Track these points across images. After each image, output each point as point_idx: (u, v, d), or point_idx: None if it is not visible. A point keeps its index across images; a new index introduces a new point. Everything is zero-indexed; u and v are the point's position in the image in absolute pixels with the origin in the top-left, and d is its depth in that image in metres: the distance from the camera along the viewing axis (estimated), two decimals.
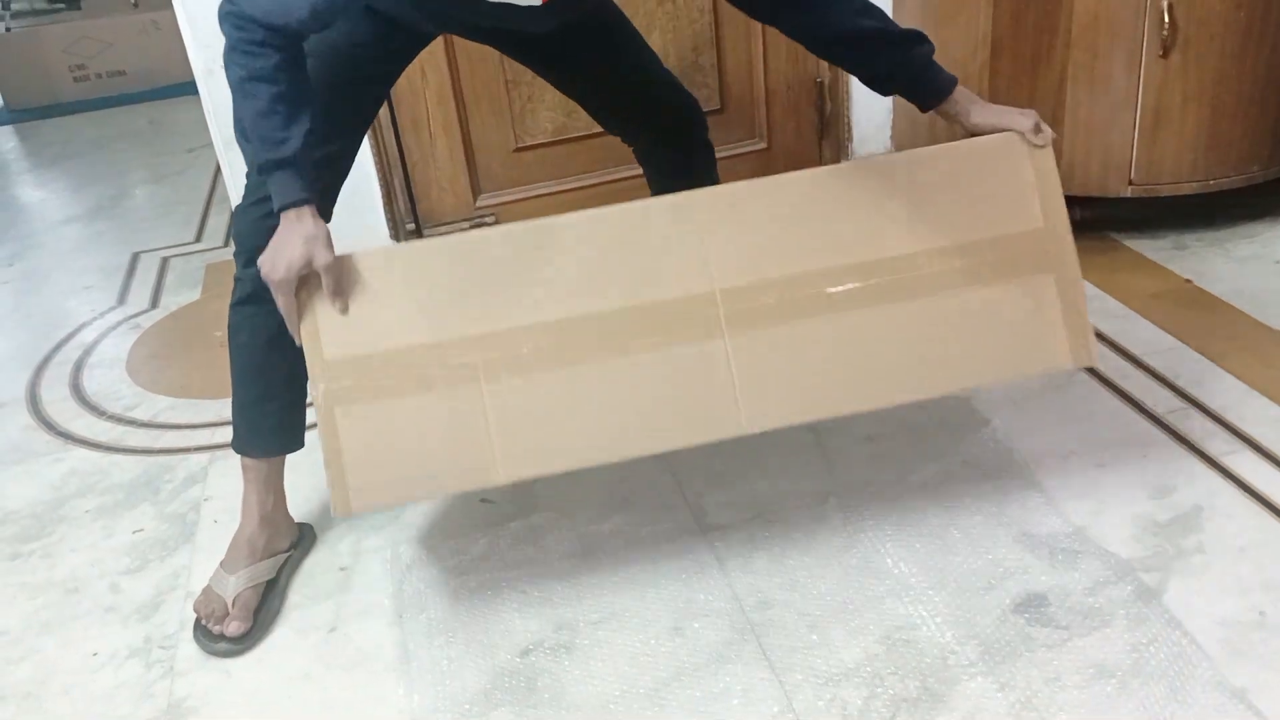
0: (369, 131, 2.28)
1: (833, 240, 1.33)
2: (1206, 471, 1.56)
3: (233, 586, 1.45)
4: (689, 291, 1.30)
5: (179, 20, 2.12)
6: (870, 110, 2.56)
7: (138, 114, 4.37)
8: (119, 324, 2.53)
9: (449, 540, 1.59)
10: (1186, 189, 2.19)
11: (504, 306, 1.29)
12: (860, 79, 1.43)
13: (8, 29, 4.54)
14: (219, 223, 3.11)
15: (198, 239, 3.04)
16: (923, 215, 1.35)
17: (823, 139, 2.56)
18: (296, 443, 1.53)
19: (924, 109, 1.41)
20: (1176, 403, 1.72)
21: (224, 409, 2.06)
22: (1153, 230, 2.29)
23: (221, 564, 1.50)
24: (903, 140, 2.59)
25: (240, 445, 1.53)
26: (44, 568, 1.67)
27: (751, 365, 1.29)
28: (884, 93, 1.43)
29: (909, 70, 1.38)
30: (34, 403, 2.19)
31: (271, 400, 1.49)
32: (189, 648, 1.46)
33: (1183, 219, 2.29)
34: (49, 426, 2.09)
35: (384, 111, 2.32)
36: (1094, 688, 1.22)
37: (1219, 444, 1.61)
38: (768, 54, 2.44)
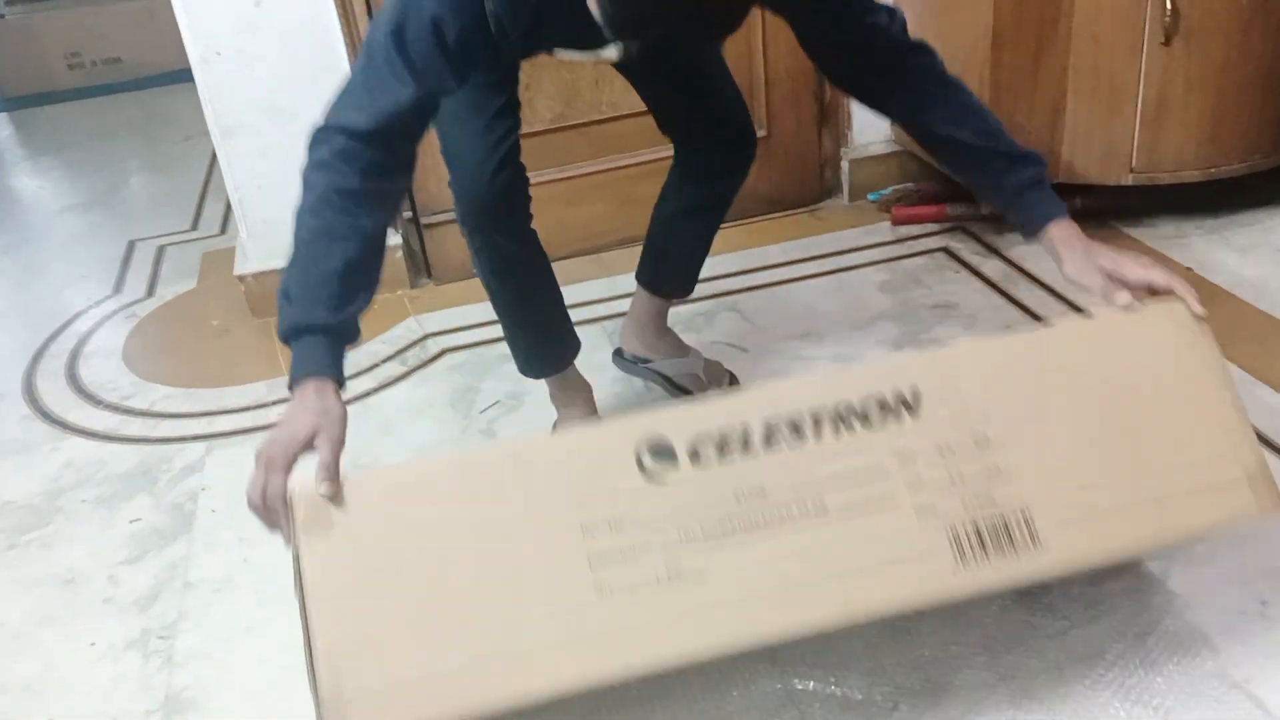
0: None
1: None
2: None
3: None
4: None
5: (175, 7, 2.10)
6: None
7: (133, 102, 4.35)
8: (115, 313, 2.52)
9: None
10: (1188, 177, 2.18)
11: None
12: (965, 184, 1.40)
13: (2, 16, 4.51)
14: (215, 211, 3.10)
15: (194, 227, 3.02)
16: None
17: (822, 128, 2.55)
18: (572, 349, 1.65)
19: (1025, 238, 1.32)
20: None
21: (221, 398, 2.06)
22: (1154, 219, 2.29)
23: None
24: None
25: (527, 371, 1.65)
26: (42, 559, 1.66)
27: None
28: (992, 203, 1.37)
29: (1003, 193, 1.29)
30: (31, 393, 2.18)
31: (522, 328, 1.59)
32: (187, 639, 1.45)
33: (1184, 207, 2.28)
34: (46, 417, 2.08)
35: None
36: (1096, 678, 1.22)
37: None
38: (767, 44, 2.42)
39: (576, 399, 1.71)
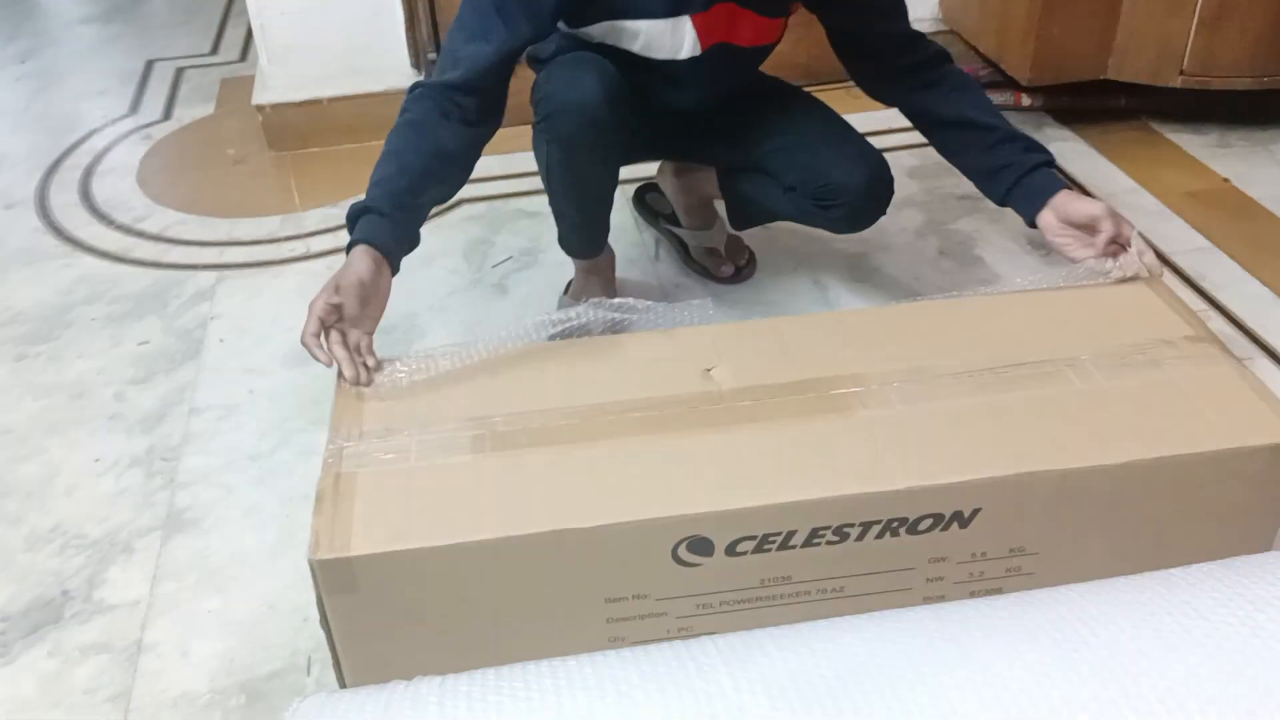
0: None
1: (954, 349, 1.14)
2: None
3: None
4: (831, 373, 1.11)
5: None
6: None
7: None
8: (131, 132, 2.48)
9: None
10: (1240, 84, 2.10)
11: (562, 390, 1.12)
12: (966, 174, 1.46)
13: None
14: (236, 35, 3.02)
15: (214, 51, 2.96)
16: (1050, 330, 1.16)
17: None
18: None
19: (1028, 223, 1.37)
20: (1199, 304, 1.69)
21: (234, 228, 2.05)
22: (1198, 125, 2.22)
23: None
24: (952, 6, 2.47)
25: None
26: (51, 370, 1.68)
27: (889, 435, 1.05)
28: (994, 198, 1.42)
29: (1007, 170, 1.37)
30: (43, 206, 2.17)
31: (581, 210, 1.57)
32: (191, 461, 1.48)
33: (1230, 116, 2.21)
34: (58, 231, 2.07)
35: None
36: None
37: (1236, 349, 1.59)
38: None
39: (599, 268, 1.69)
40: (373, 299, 1.15)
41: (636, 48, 1.40)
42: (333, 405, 1.10)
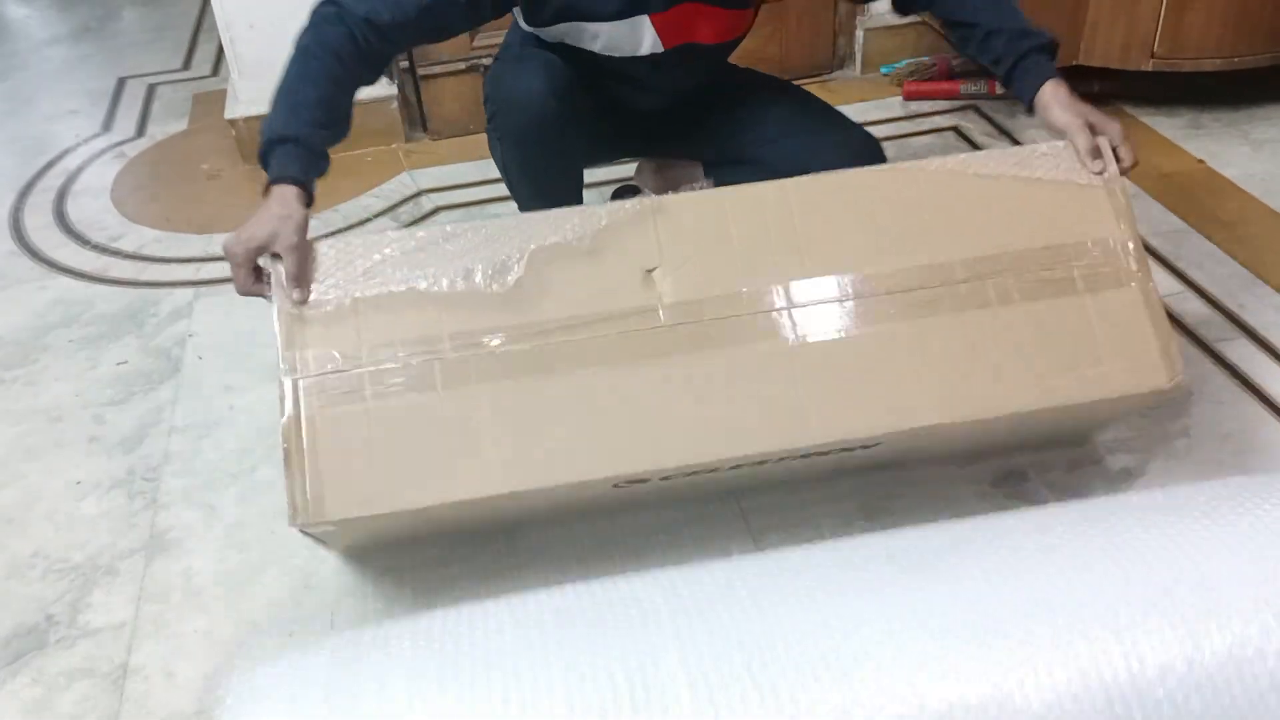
0: None
1: (890, 243, 1.19)
2: (1200, 357, 1.55)
3: None
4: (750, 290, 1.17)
5: None
6: None
7: None
8: (104, 151, 2.46)
9: None
10: (1209, 65, 2.11)
11: (506, 304, 1.15)
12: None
13: None
14: (208, 51, 3.01)
15: (185, 66, 2.94)
16: (986, 221, 1.21)
17: None
18: None
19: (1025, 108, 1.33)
20: (1176, 286, 1.69)
21: (210, 244, 2.04)
22: (1170, 108, 2.22)
23: None
24: None
25: None
26: (27, 395, 1.66)
27: (815, 374, 1.14)
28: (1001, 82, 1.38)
29: (1003, 63, 1.31)
30: (17, 229, 2.15)
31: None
32: (173, 481, 1.47)
33: (1203, 97, 2.22)
34: (32, 253, 2.06)
35: None
36: None
37: (1215, 330, 1.59)
38: None
39: None
40: (291, 226, 1.14)
41: (597, 48, 1.40)
42: (277, 328, 1.13)
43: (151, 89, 2.80)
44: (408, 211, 2.10)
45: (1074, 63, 2.16)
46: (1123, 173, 1.24)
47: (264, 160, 1.18)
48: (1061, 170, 1.23)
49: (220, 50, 2.73)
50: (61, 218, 2.18)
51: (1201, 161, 2.04)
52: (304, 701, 0.78)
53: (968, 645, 0.77)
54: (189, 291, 1.90)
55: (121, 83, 2.85)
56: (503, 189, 1.95)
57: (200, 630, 1.25)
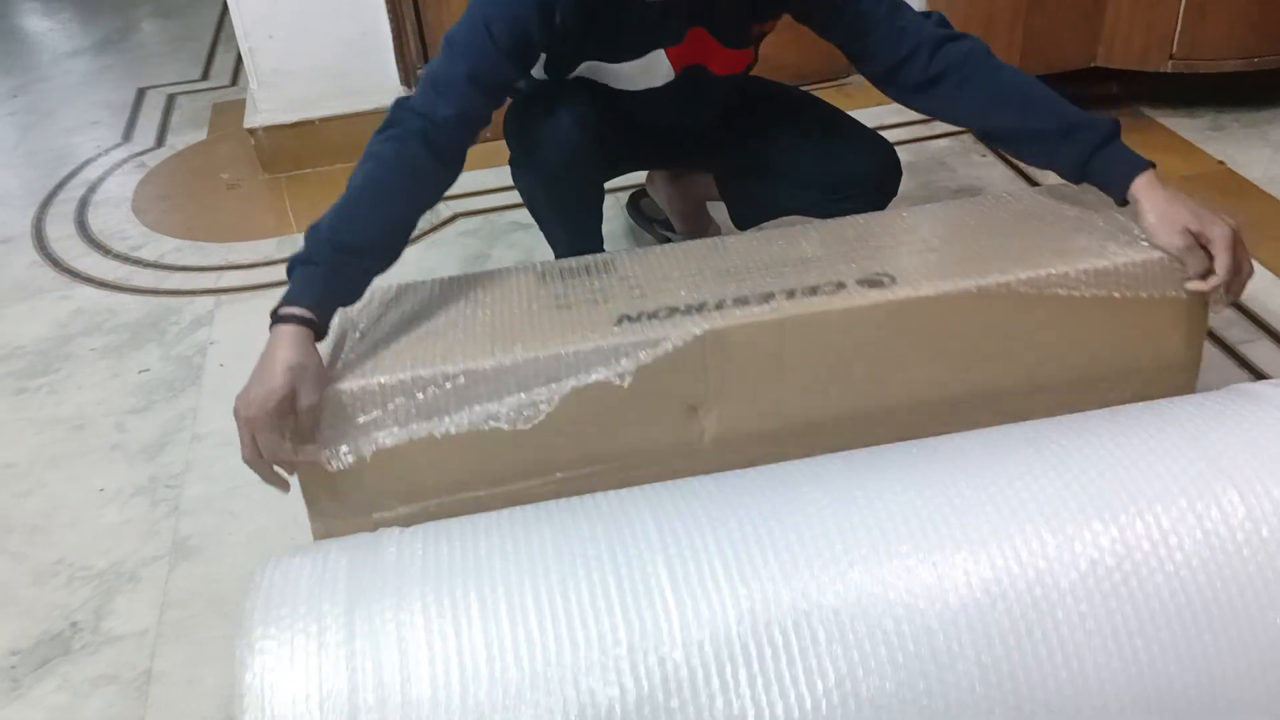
0: None
1: (951, 373, 1.15)
2: (1223, 360, 1.53)
3: None
4: None
5: None
6: None
7: None
8: (124, 161, 2.49)
9: None
10: (1229, 66, 2.10)
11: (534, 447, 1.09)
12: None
13: None
14: (227, 61, 3.03)
15: (204, 77, 2.96)
16: (1050, 346, 1.15)
17: None
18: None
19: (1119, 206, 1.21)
20: None
21: (230, 252, 2.05)
22: (1190, 109, 2.21)
23: None
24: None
25: None
26: (51, 404, 1.68)
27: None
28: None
29: (1070, 169, 1.21)
30: (40, 239, 2.17)
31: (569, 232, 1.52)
32: (195, 489, 1.47)
33: (1222, 98, 2.20)
34: (55, 264, 2.08)
35: None
36: None
37: (1238, 332, 1.58)
38: None
39: None
40: (309, 380, 1.04)
41: (616, 84, 1.39)
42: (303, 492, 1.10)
43: (171, 99, 2.82)
44: (426, 218, 2.10)
45: (1092, 64, 2.16)
46: (1230, 297, 1.11)
47: (289, 270, 1.09)
48: (1148, 288, 1.12)
49: (239, 60, 2.76)
50: (83, 228, 2.20)
51: (1222, 163, 2.03)
52: (327, 581, 0.89)
53: (916, 538, 0.88)
54: (210, 300, 1.91)
55: (141, 93, 2.87)
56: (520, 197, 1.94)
57: (222, 637, 1.25)
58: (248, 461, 1.04)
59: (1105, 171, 1.17)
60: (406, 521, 1.00)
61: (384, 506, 1.10)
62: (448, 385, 1.05)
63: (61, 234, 2.18)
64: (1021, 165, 2.08)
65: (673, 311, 1.10)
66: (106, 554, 1.38)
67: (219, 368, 1.72)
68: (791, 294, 1.11)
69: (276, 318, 1.05)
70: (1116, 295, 1.12)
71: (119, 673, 1.22)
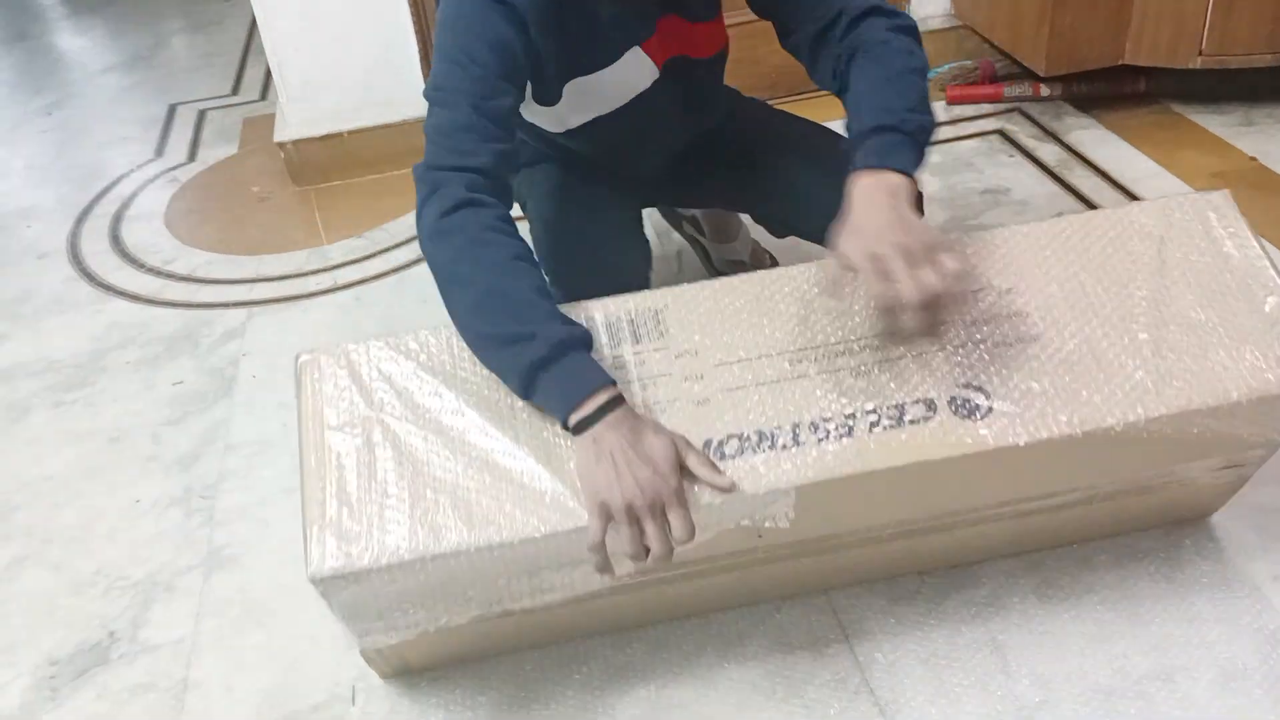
0: None
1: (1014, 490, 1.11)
2: None
3: None
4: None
5: None
6: None
7: None
8: (157, 176, 2.52)
9: None
10: (1259, 61, 2.07)
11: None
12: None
13: None
14: (256, 75, 3.06)
15: (234, 91, 3.00)
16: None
17: None
18: None
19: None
20: None
21: (261, 265, 2.07)
22: (1220, 105, 2.19)
23: None
24: (963, 2, 2.46)
25: None
26: (87, 416, 1.70)
27: None
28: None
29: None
30: (75, 254, 2.21)
31: None
32: (229, 499, 1.49)
33: (1253, 93, 2.18)
34: (90, 278, 2.11)
35: None
36: (1123, 569, 1.22)
37: None
38: None
39: None
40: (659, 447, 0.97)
41: (605, 103, 1.33)
42: None
43: (202, 114, 2.86)
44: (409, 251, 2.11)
45: (1120, 62, 2.14)
46: (922, 308, 0.95)
47: (533, 387, 1.00)
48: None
49: (268, 75, 2.79)
50: (117, 242, 2.24)
51: (1254, 159, 2.01)
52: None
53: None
54: (242, 312, 1.93)
55: (173, 109, 2.91)
56: None
57: (258, 645, 1.27)
58: (634, 556, 0.95)
59: (864, 158, 1.06)
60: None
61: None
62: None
63: (96, 249, 2.21)
64: (1050, 166, 2.07)
65: (743, 445, 1.00)
66: (143, 564, 1.40)
67: (251, 378, 1.74)
68: (875, 422, 1.00)
69: (587, 422, 0.97)
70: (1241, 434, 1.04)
71: (156, 681, 1.24)
